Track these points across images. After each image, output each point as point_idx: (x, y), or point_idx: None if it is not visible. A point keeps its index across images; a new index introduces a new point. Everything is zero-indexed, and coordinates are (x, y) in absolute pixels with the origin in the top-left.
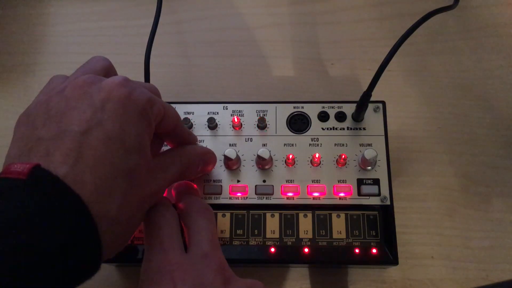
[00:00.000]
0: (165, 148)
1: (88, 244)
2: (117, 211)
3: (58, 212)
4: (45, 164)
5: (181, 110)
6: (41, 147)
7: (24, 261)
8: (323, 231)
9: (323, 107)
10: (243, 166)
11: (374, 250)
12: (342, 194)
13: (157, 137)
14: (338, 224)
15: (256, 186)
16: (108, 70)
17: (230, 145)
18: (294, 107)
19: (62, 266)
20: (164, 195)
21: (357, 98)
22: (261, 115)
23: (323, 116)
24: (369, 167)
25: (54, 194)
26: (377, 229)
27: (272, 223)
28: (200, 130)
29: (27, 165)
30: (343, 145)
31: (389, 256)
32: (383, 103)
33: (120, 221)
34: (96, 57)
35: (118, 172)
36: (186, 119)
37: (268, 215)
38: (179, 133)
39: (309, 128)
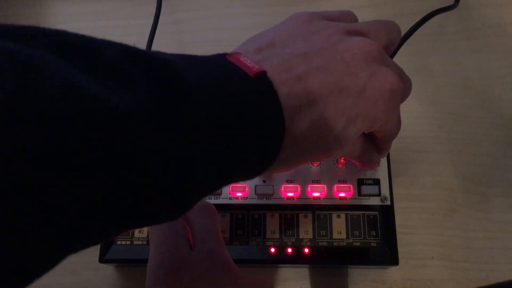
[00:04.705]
0: None
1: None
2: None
3: (261, 124)
4: (273, 77)
5: None
6: (278, 59)
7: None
8: (323, 231)
9: None
10: None
11: (374, 250)
12: (342, 194)
13: None
14: (338, 224)
15: (256, 186)
16: None
17: None
18: None
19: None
20: None
21: None
22: None
23: None
24: None
25: (265, 107)
26: (377, 229)
27: (272, 223)
28: None
29: (257, 66)
30: None
31: (389, 256)
32: None
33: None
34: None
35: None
36: None
37: (268, 215)
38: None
39: None
